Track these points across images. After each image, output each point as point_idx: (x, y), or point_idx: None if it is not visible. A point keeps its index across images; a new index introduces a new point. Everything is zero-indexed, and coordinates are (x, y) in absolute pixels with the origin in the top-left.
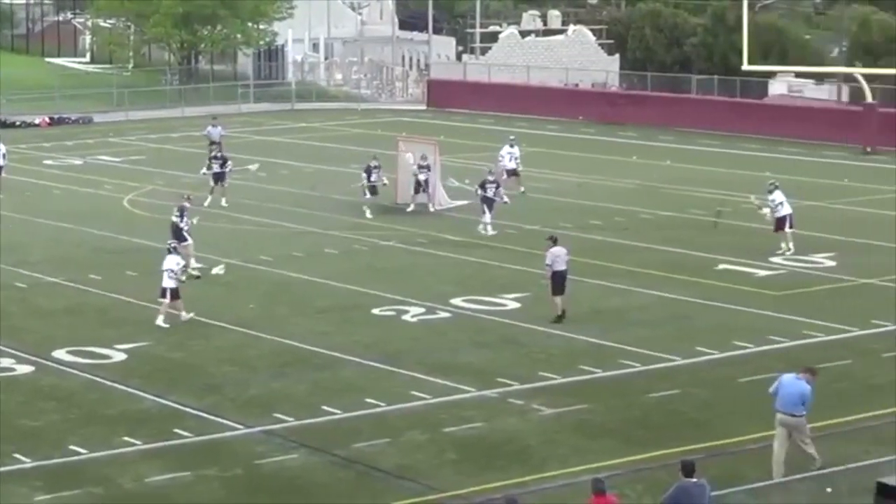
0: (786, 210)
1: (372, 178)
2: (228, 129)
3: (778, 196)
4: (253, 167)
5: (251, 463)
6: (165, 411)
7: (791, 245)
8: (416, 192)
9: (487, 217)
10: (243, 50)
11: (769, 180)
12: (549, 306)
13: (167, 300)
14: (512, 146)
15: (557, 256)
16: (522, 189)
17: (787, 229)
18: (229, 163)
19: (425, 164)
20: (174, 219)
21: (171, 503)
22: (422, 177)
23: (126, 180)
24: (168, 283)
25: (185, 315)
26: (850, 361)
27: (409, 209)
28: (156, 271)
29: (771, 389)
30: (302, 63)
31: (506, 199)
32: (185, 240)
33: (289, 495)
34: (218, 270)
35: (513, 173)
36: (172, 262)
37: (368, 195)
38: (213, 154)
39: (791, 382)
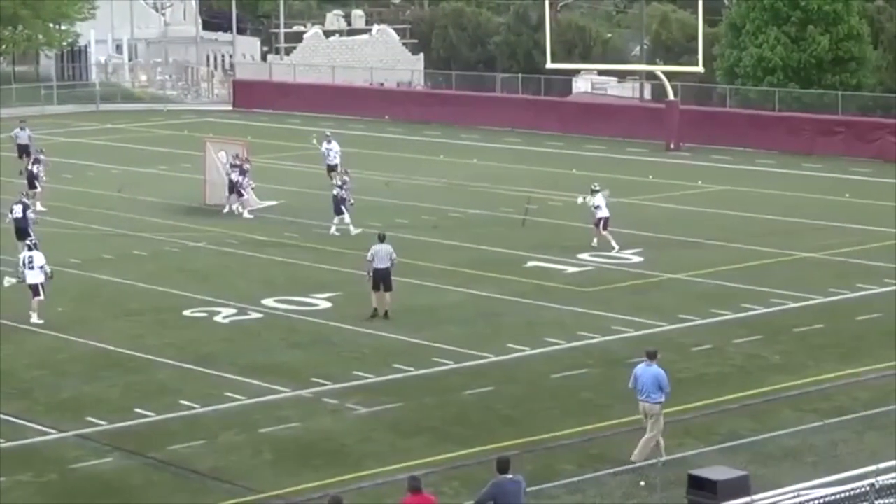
0: (602, 213)
1: (233, 178)
2: (34, 131)
3: (598, 200)
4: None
5: (66, 468)
6: None
7: (614, 243)
8: (230, 192)
9: (347, 218)
10: (45, 51)
11: (593, 183)
12: (368, 303)
13: (41, 297)
14: (329, 142)
15: (378, 253)
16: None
17: (602, 231)
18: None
19: (238, 163)
20: (18, 216)
21: None
22: (234, 176)
23: None
24: (37, 279)
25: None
26: (661, 356)
27: (225, 210)
28: None
29: (630, 384)
30: (106, 64)
31: (352, 200)
32: (30, 235)
33: (104, 499)
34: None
35: (332, 168)
36: (41, 258)
37: (250, 195)
38: (37, 156)
39: (644, 371)
